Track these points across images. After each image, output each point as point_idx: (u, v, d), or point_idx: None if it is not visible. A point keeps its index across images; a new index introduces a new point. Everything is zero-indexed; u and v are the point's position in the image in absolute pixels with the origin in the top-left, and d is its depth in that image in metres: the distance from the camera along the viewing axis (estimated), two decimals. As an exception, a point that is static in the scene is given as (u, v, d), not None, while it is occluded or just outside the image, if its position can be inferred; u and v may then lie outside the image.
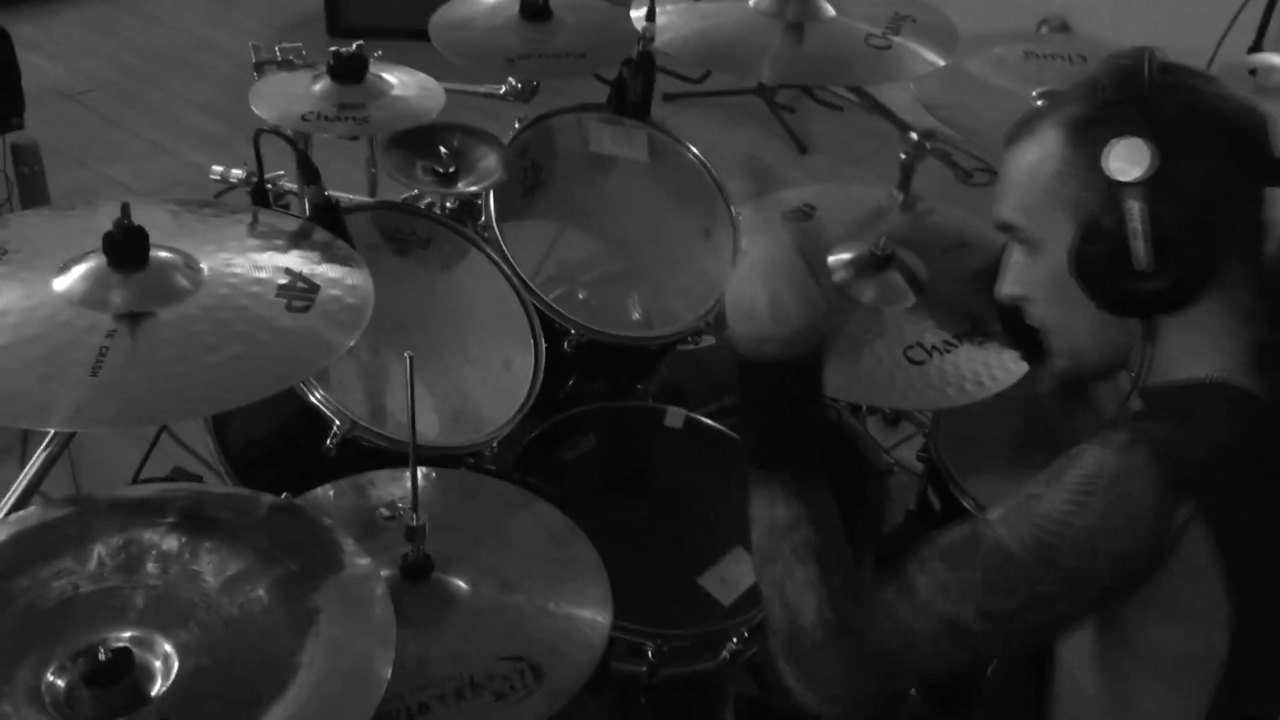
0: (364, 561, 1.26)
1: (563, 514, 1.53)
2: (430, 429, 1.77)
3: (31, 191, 3.32)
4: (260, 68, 1.87)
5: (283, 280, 1.38)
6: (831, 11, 2.10)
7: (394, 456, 1.61)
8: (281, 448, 1.75)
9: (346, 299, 1.38)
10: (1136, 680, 1.15)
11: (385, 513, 1.39)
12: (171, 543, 1.22)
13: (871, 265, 2.12)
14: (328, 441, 1.59)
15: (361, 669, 1.14)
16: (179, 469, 2.02)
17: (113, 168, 3.74)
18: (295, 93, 1.68)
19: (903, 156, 2.33)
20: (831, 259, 2.16)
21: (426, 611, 1.37)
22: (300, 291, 1.36)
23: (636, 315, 2.11)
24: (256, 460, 1.77)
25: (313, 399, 1.59)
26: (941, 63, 2.06)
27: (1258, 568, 1.09)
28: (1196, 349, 1.16)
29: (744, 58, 2.02)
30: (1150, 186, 1.10)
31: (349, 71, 1.66)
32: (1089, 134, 1.13)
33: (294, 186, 1.95)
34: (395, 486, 1.56)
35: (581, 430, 1.93)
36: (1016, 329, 2.05)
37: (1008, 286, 1.27)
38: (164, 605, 1.17)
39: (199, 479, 1.98)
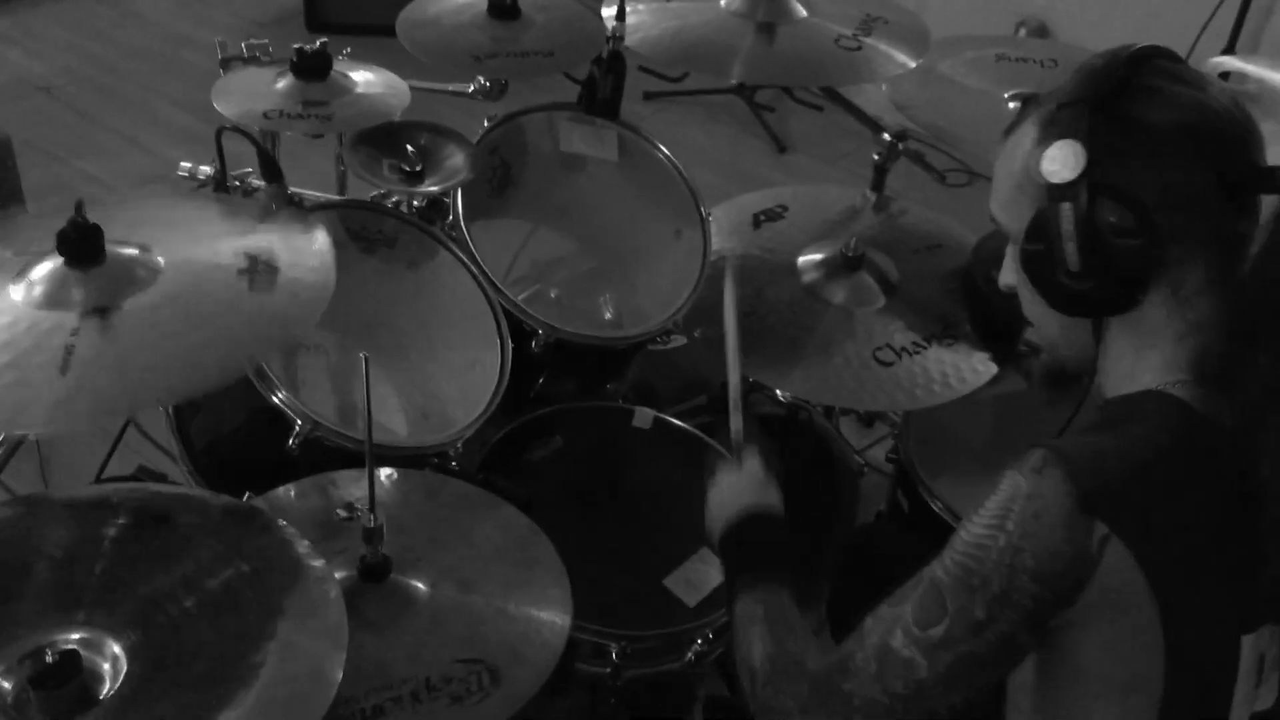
0: (319, 563, 1.25)
1: (525, 515, 1.53)
2: (398, 428, 1.76)
3: (2, 187, 3.30)
4: (227, 64, 1.85)
5: (243, 265, 1.38)
6: (803, 12, 2.10)
7: (359, 456, 1.60)
8: (245, 447, 1.74)
9: (308, 277, 1.39)
10: (1080, 704, 1.14)
11: (342, 513, 1.38)
12: (123, 543, 1.21)
13: (842, 266, 2.12)
14: (290, 442, 1.58)
15: (312, 672, 1.13)
16: (143, 467, 2.00)
17: (87, 163, 3.71)
18: (258, 90, 1.67)
19: (876, 157, 2.34)
20: (803, 259, 2.16)
21: (384, 613, 1.36)
22: (262, 273, 1.36)
23: (609, 315, 2.10)
24: (220, 459, 1.76)
25: (275, 399, 1.58)
26: (912, 64, 2.06)
27: (1183, 582, 1.08)
28: (1150, 359, 1.15)
29: (715, 57, 2.02)
30: (1084, 189, 1.10)
31: (313, 69, 1.65)
32: (1047, 132, 1.13)
33: (261, 183, 1.93)
34: (357, 487, 1.54)
35: (549, 430, 1.92)
36: (988, 330, 2.08)
37: (1003, 276, 1.27)
38: (114, 607, 1.16)
39: (163, 477, 1.97)
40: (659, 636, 1.68)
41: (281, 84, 1.66)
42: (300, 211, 1.57)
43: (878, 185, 2.37)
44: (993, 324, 2.09)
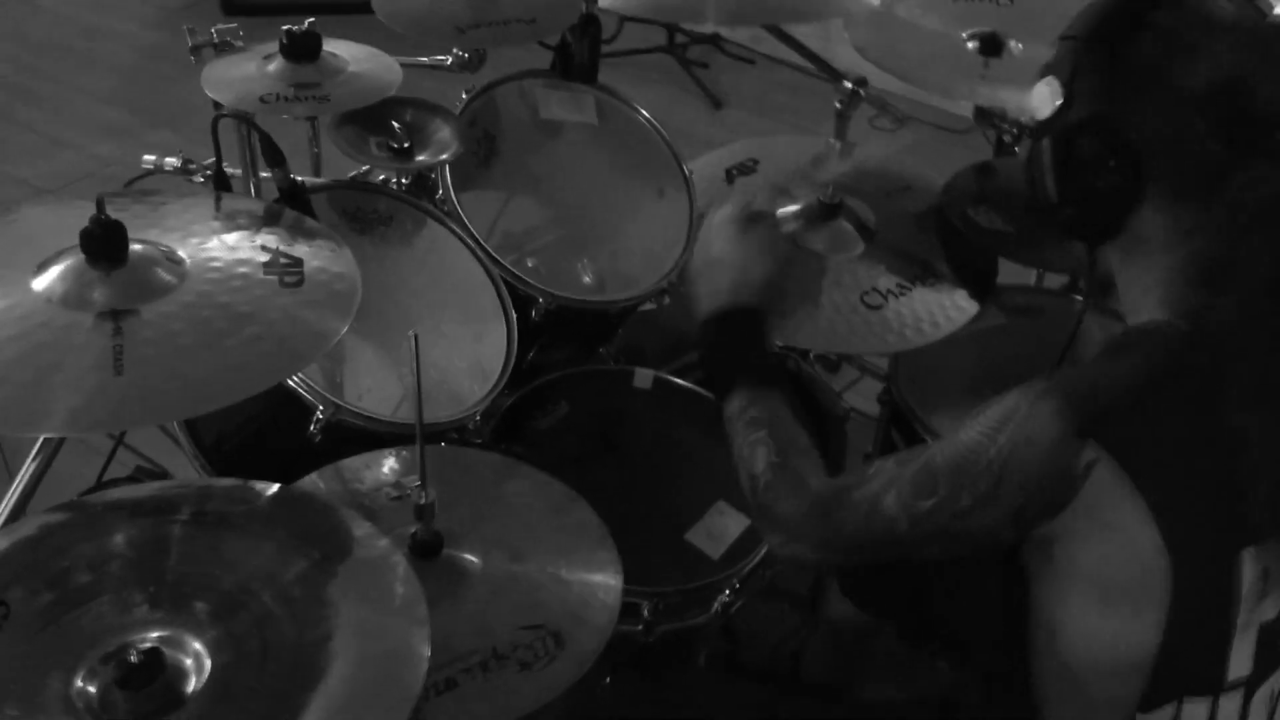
0: (383, 543, 1.25)
1: (561, 481, 1.54)
2: (408, 406, 1.75)
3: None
4: (197, 51, 1.82)
5: (264, 259, 1.37)
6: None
7: (377, 438, 1.60)
8: (260, 437, 1.72)
9: (333, 268, 1.38)
10: (1086, 615, 1.19)
11: (393, 493, 1.38)
12: (190, 540, 1.20)
13: (820, 214, 2.15)
14: (311, 427, 1.57)
15: (398, 651, 1.14)
16: (141, 468, 1.97)
17: (14, 166, 3.61)
18: (248, 75, 1.64)
19: (837, 105, 2.36)
20: (780, 211, 2.18)
21: (441, 589, 1.36)
22: (286, 267, 1.35)
23: (587, 279, 2.11)
24: (233, 453, 1.74)
25: (292, 384, 1.57)
26: (875, 1, 2.09)
27: (1180, 501, 1.13)
28: (1158, 288, 1.21)
29: (688, 6, 2.03)
30: (1059, 127, 1.16)
31: (303, 50, 1.63)
32: (1048, 63, 1.20)
33: (239, 172, 1.90)
34: (378, 469, 1.54)
35: (553, 398, 1.93)
36: (964, 268, 2.12)
37: None
38: (186, 603, 1.15)
39: (166, 475, 1.94)
40: (688, 591, 1.70)
41: (272, 67, 1.64)
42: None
43: (841, 132, 2.40)
44: (968, 261, 2.14)
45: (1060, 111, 1.17)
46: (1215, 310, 1.17)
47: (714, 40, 4.26)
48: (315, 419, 1.57)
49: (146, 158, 2.05)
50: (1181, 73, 1.13)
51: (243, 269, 1.34)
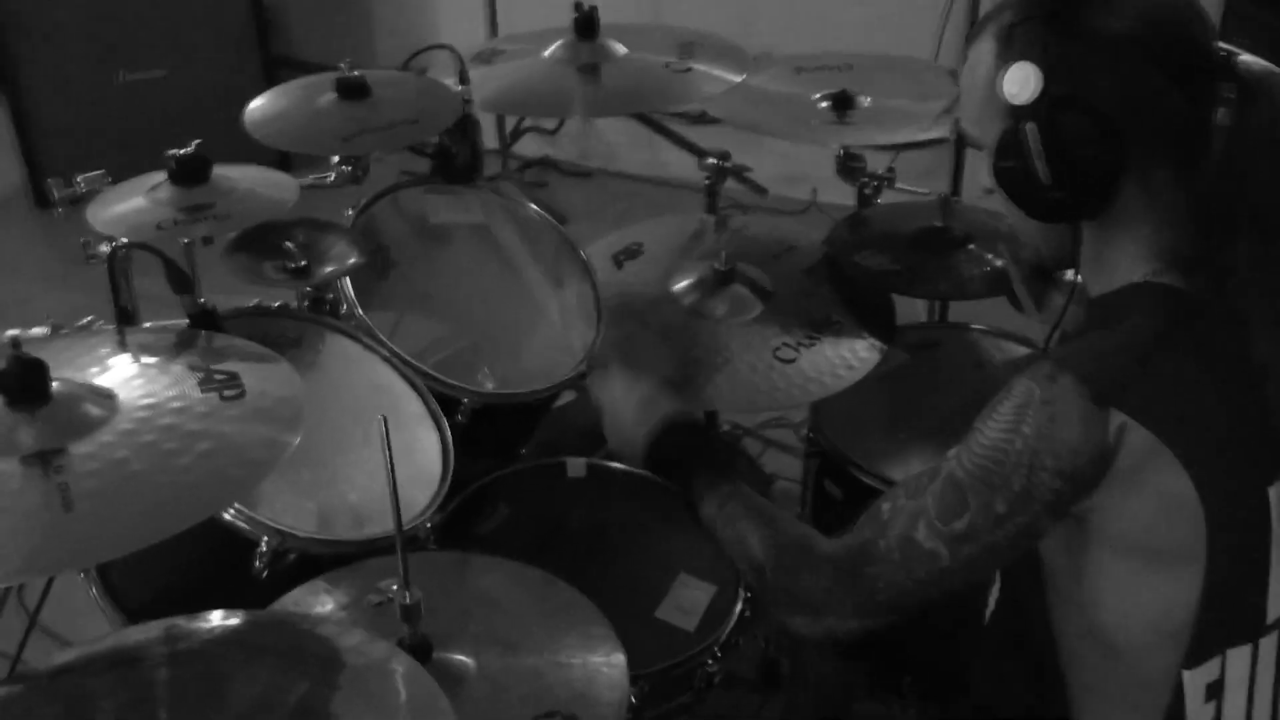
0: (378, 647, 1.16)
1: (537, 568, 1.47)
2: (355, 525, 1.66)
3: None
4: (66, 203, 1.73)
5: (197, 378, 1.29)
6: (623, 50, 2.15)
7: (305, 568, 1.50)
8: (200, 586, 1.60)
9: (270, 375, 1.31)
10: (1126, 582, 1.19)
11: (374, 598, 1.29)
12: (176, 685, 1.10)
13: (715, 282, 2.17)
14: (256, 563, 1.47)
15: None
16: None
17: None
18: (137, 207, 1.57)
19: (706, 181, 2.40)
20: (677, 286, 2.19)
21: (440, 694, 1.28)
22: (223, 382, 1.27)
23: (490, 386, 2.06)
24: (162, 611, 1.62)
25: (229, 518, 1.47)
26: (738, 79, 2.14)
27: (1208, 450, 1.14)
28: (1129, 252, 1.22)
29: (554, 102, 2.06)
30: (1045, 107, 1.16)
31: (192, 173, 1.56)
32: (1005, 50, 1.20)
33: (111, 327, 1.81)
34: (330, 597, 1.44)
35: (491, 501, 1.87)
36: (863, 311, 2.16)
37: (984, 181, 1.31)
38: (190, 747, 1.05)
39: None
40: (672, 666, 1.63)
41: (162, 194, 1.57)
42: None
43: (712, 206, 2.44)
44: (866, 304, 2.17)
45: (1043, 94, 1.16)
46: (1223, 255, 1.20)
47: (547, 161, 4.33)
48: (260, 553, 1.47)
49: (9, 332, 1.92)
50: (1117, 24, 1.16)
51: (177, 388, 1.26)
